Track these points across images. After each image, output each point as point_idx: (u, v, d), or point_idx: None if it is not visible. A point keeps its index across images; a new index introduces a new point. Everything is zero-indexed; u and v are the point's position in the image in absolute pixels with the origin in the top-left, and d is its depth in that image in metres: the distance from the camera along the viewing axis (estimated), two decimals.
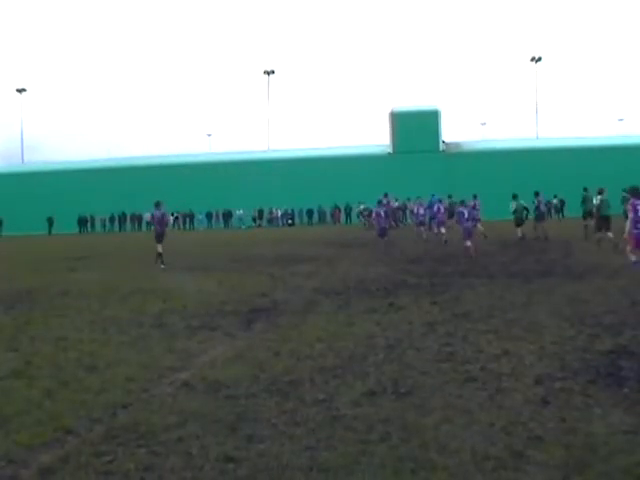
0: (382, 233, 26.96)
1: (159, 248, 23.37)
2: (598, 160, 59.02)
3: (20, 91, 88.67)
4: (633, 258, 16.01)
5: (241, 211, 66.93)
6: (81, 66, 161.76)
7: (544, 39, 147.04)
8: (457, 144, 71.03)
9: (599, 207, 24.45)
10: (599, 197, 25.08)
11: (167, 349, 9.48)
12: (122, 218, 69.27)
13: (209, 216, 67.83)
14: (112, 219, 69.62)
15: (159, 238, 23.61)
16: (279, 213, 66.52)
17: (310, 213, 64.74)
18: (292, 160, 69.14)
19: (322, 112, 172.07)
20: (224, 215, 67.23)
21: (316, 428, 5.95)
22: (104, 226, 69.50)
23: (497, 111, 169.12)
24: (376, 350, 8.92)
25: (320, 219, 64.23)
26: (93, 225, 69.46)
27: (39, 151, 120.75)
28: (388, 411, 6.30)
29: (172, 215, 65.85)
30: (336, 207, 62.91)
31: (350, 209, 61.36)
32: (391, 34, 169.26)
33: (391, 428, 5.84)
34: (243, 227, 63.61)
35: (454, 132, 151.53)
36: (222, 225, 66.49)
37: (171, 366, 8.46)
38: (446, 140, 70.60)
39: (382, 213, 27.78)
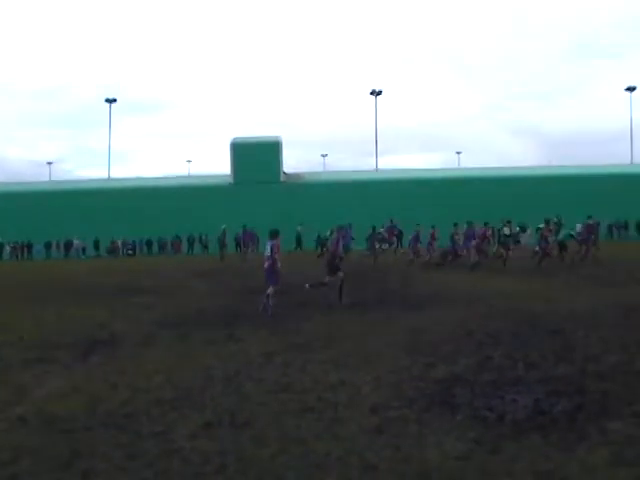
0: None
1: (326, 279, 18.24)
2: (437, 192, 61.46)
3: None
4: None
5: (78, 241, 64.67)
6: None
7: (384, 73, 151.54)
8: (298, 175, 71.89)
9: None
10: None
11: (2, 382, 9.19)
12: None
13: (48, 246, 65.12)
14: None
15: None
16: (119, 243, 65.00)
17: (149, 243, 63.55)
18: (133, 189, 67.89)
19: (164, 140, 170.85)
20: (65, 245, 64.80)
21: (153, 461, 5.97)
22: None
23: (338, 143, 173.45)
24: (214, 382, 9.00)
25: (160, 249, 63.12)
26: None
27: None
28: (225, 443, 6.40)
29: (9, 245, 63.19)
30: (177, 237, 62.16)
31: (193, 239, 60.80)
32: (234, 63, 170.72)
33: (227, 460, 5.95)
34: (83, 257, 61.56)
35: (295, 163, 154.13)
36: (62, 255, 63.87)
37: (6, 400, 8.20)
38: (287, 171, 71.38)
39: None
